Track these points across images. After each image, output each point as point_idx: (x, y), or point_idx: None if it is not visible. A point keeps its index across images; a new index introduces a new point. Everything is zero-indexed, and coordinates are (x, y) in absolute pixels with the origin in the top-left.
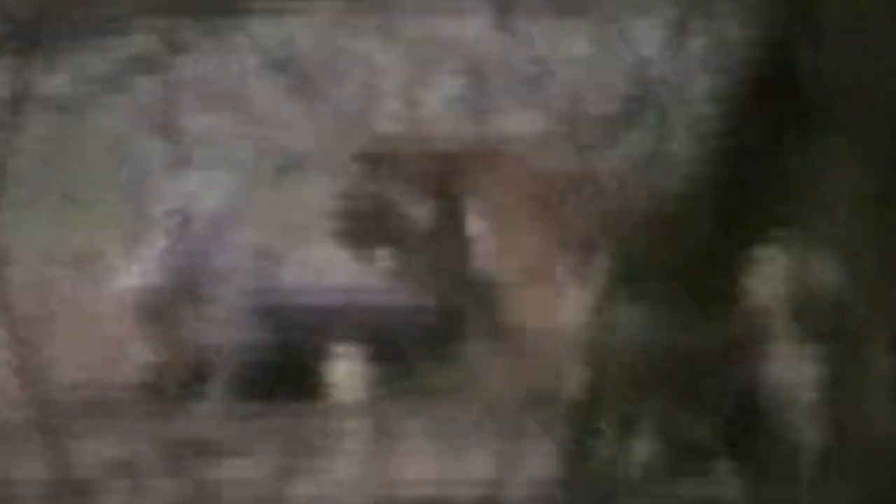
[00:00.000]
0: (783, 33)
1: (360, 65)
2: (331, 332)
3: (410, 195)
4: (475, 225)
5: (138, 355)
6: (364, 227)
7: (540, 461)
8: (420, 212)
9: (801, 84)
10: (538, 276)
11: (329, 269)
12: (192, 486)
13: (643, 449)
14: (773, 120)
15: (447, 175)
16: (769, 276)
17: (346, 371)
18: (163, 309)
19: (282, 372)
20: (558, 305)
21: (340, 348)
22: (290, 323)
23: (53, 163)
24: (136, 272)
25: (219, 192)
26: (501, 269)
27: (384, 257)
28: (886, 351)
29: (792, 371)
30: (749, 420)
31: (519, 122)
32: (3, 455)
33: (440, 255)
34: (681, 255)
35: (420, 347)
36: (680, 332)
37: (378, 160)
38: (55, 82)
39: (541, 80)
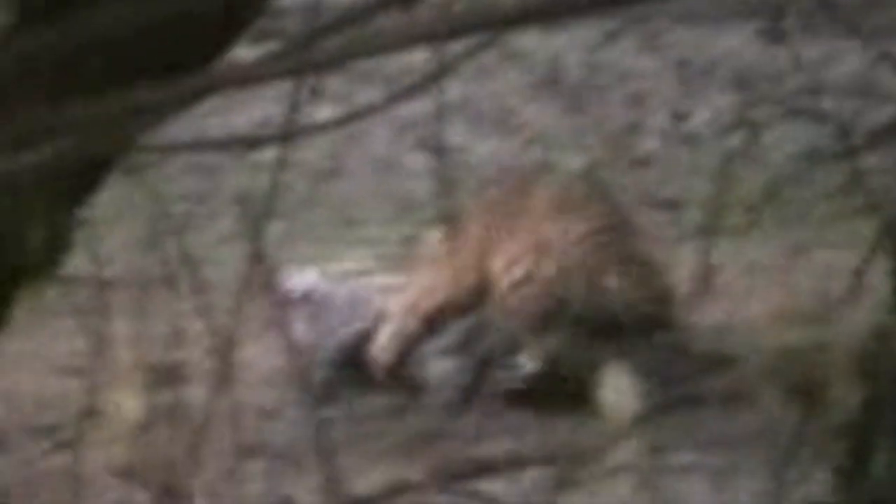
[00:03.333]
0: None
1: (627, 80)
2: (603, 349)
3: None
4: None
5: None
6: None
7: (815, 479)
8: None
9: None
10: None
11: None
12: (466, 501)
13: None
14: None
15: None
16: None
17: (616, 388)
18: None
19: (554, 388)
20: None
21: (611, 365)
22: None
23: (324, 181)
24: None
25: None
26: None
27: None
28: None
29: None
30: None
31: (785, 135)
32: (278, 474)
33: None
34: None
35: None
36: None
37: None
38: (324, 107)
39: (811, 93)
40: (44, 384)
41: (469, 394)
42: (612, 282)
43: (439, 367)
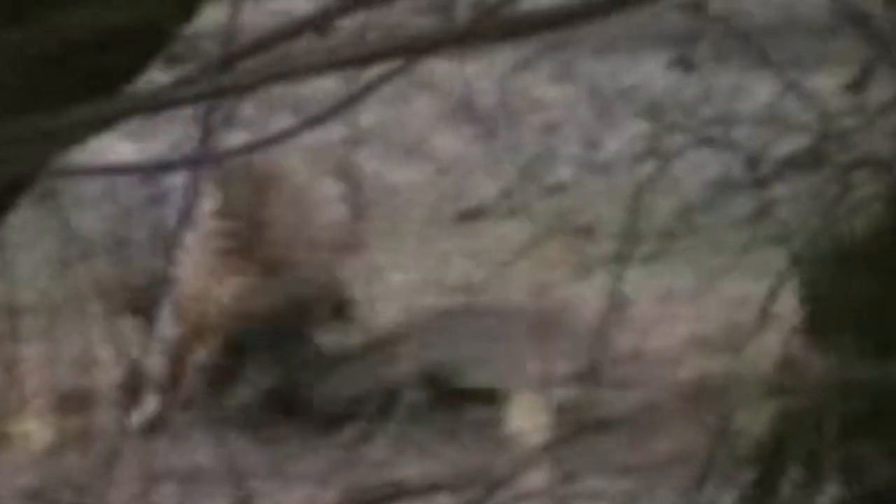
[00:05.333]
0: None
1: (540, 109)
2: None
3: None
4: None
5: None
6: None
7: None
8: None
9: None
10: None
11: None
12: None
13: (830, 493)
14: None
15: None
16: None
17: (526, 414)
18: None
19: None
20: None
21: (522, 393)
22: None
23: None
24: None
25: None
26: None
27: None
28: None
29: None
30: None
31: (697, 163)
32: (189, 497)
33: None
34: (869, 294)
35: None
36: (869, 373)
37: None
38: (238, 134)
39: (722, 122)
40: None
41: None
42: (238, 283)
43: None
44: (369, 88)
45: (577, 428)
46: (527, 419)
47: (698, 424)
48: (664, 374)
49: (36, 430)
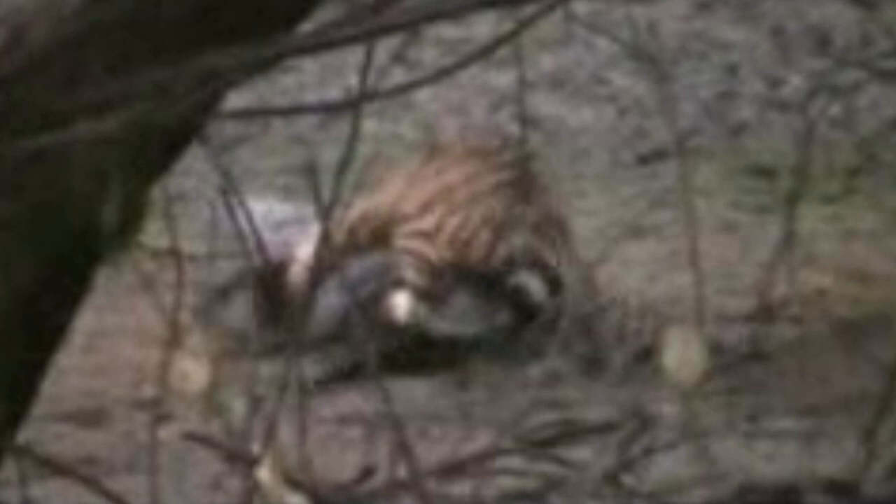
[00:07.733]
0: None
1: (721, 49)
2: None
3: None
4: None
5: None
6: None
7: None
8: None
9: None
10: None
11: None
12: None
13: None
14: None
15: None
16: None
17: (680, 351)
18: None
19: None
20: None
21: (677, 332)
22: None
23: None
24: None
25: None
26: None
27: None
28: None
29: None
30: None
31: (878, 99)
32: (350, 442)
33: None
34: None
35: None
36: None
37: None
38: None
39: None
40: (145, 357)
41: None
42: (517, 239)
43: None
44: (524, 25)
45: (739, 364)
46: (683, 356)
47: (873, 364)
48: (840, 312)
49: (194, 370)
